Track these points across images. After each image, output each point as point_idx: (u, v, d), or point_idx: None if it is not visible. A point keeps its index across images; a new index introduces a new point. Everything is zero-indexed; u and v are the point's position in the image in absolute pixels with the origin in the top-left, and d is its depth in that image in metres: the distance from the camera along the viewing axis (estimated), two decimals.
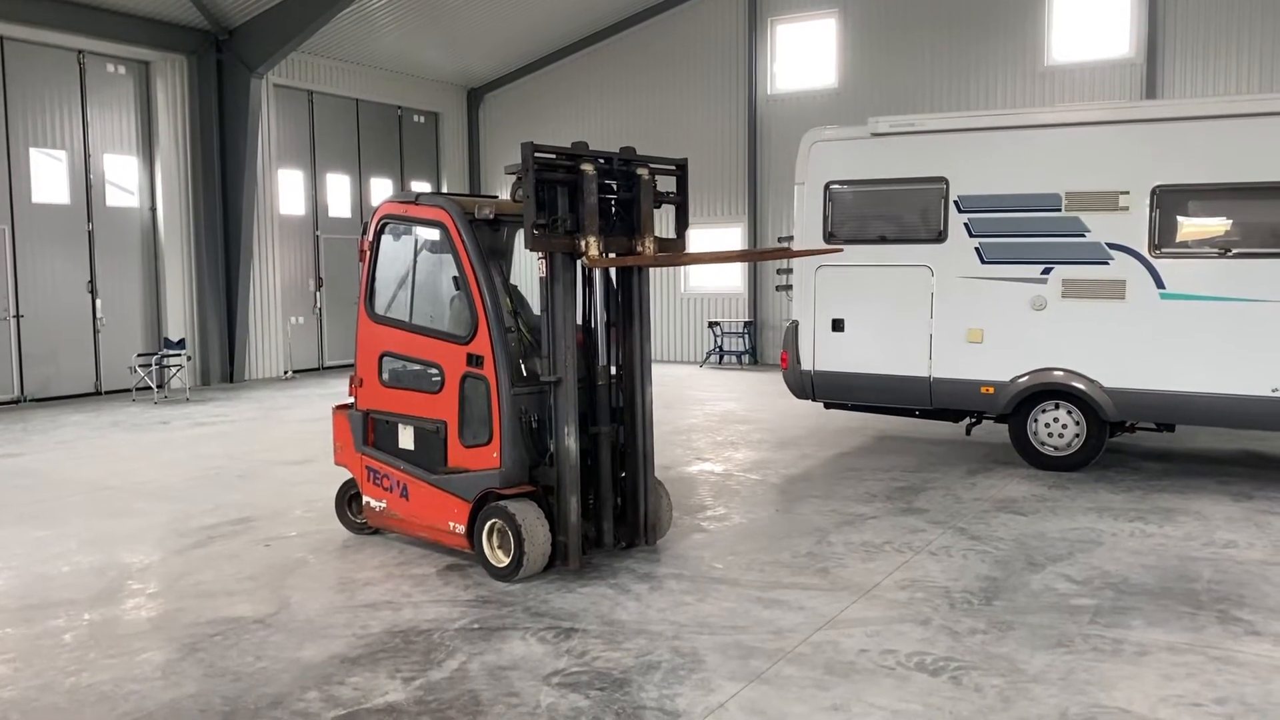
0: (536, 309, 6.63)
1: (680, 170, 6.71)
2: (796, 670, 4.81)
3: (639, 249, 6.38)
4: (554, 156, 6.02)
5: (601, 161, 6.21)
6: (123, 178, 16.61)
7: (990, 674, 4.75)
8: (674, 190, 6.72)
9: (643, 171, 6.38)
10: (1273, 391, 8.37)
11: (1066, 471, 9.29)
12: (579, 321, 6.40)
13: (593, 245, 6.04)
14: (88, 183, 16.00)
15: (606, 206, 6.32)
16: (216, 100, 17.02)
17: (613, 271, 6.58)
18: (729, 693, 4.56)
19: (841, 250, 8.05)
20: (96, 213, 16.14)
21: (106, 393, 16.13)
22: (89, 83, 15.97)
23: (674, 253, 6.72)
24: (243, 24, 16.62)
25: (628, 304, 6.57)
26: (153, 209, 16.96)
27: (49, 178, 15.53)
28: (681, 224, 6.79)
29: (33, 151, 15.26)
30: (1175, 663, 4.87)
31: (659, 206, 6.54)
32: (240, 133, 16.93)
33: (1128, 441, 10.65)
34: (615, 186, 6.39)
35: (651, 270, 6.59)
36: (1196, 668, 4.81)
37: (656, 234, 6.46)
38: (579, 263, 6.22)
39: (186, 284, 17.20)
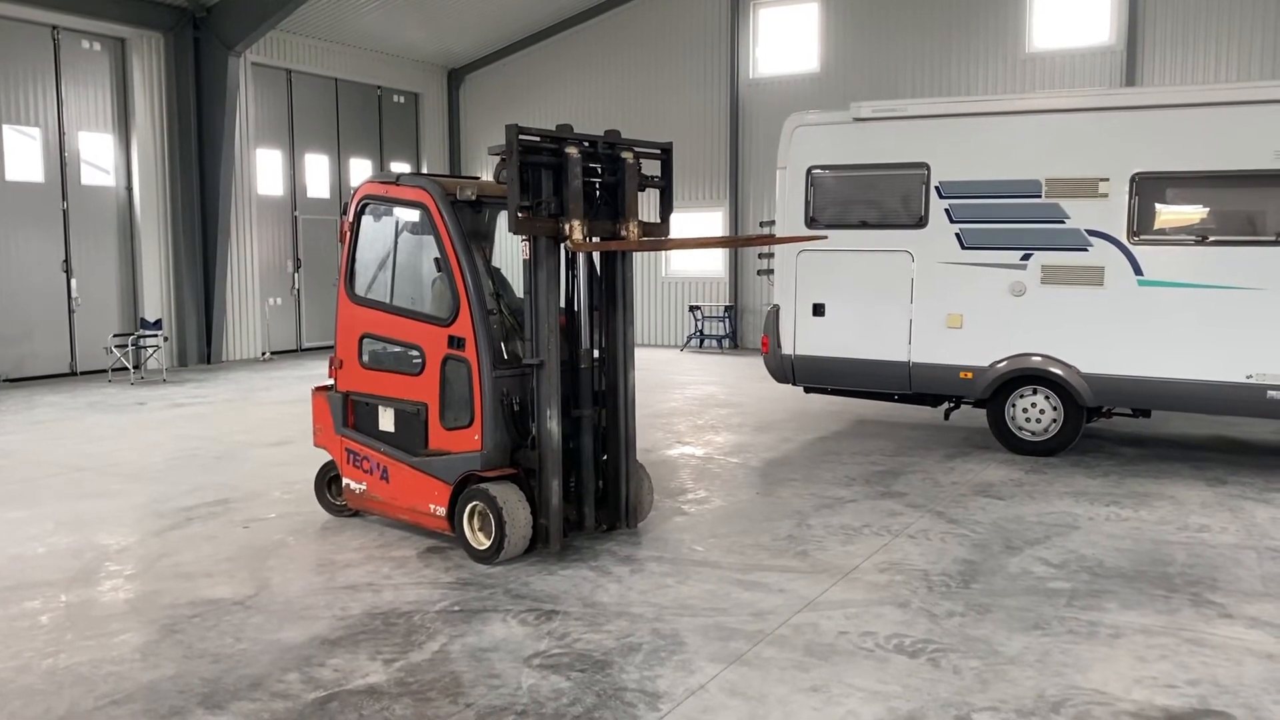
0: (519, 291, 6.62)
1: (665, 154, 6.68)
2: (777, 652, 4.84)
3: (623, 233, 6.36)
4: (538, 139, 5.97)
5: (586, 145, 6.17)
6: (98, 156, 16.40)
7: (968, 656, 4.80)
8: (658, 174, 6.69)
9: (627, 155, 6.35)
10: (1247, 378, 8.46)
11: (1044, 456, 9.37)
12: (562, 304, 6.39)
13: (577, 229, 6.01)
14: (62, 161, 15.79)
15: (591, 190, 6.29)
16: (194, 78, 16.82)
17: (596, 255, 6.56)
18: (710, 674, 4.59)
19: (826, 236, 8.01)
20: (71, 191, 15.94)
21: (82, 373, 15.97)
22: (63, 59, 15.74)
23: (658, 238, 6.70)
24: (220, 1, 16.41)
25: (611, 287, 6.56)
26: (129, 188, 16.76)
27: (22, 155, 15.30)
28: (666, 208, 6.76)
29: (5, 128, 15.02)
30: (1149, 645, 4.94)
31: (643, 190, 6.52)
32: (218, 112, 16.74)
33: (1104, 427, 10.75)
34: (600, 170, 6.35)
35: (634, 254, 6.58)
36: (1170, 650, 4.87)
37: (641, 218, 6.44)
38: (563, 246, 6.19)
39: (163, 264, 17.03)
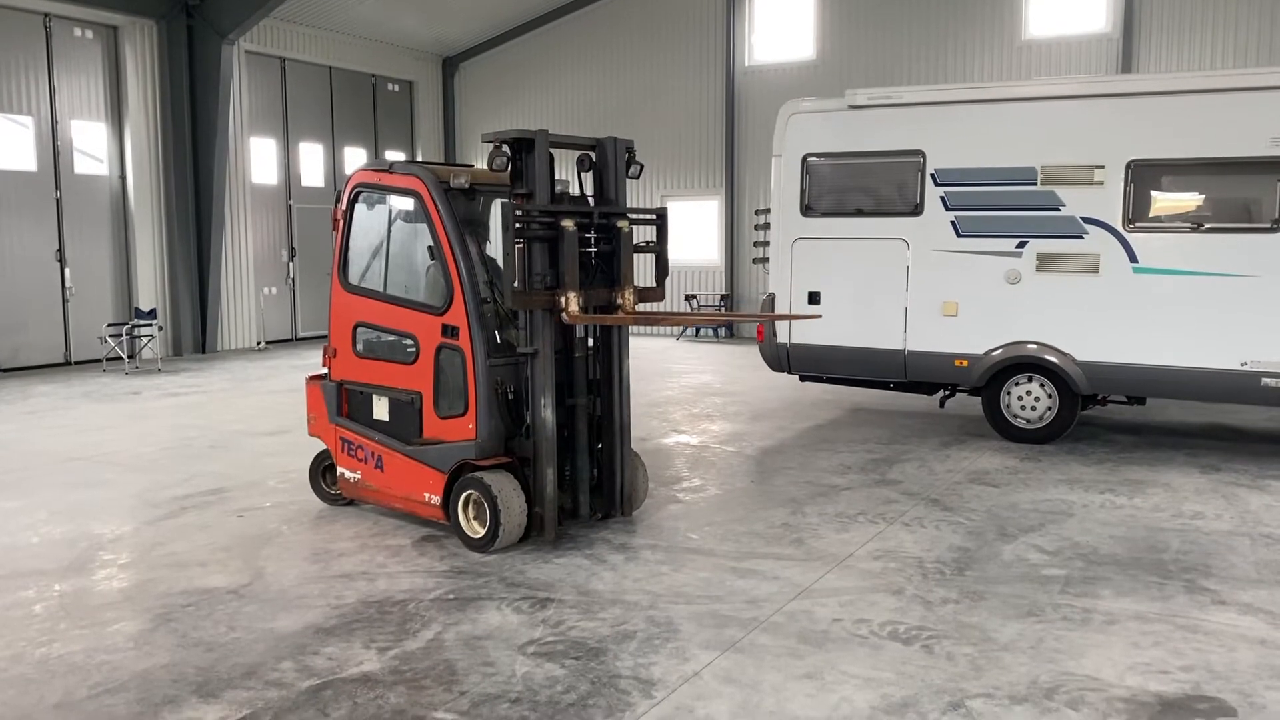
0: None
1: (660, 219, 6.74)
2: (771, 639, 4.85)
3: (619, 301, 6.43)
4: (535, 214, 5.99)
5: (582, 216, 6.23)
6: (91, 145, 16.32)
7: (962, 643, 4.80)
8: (653, 239, 6.76)
9: (623, 224, 6.41)
10: (1242, 365, 8.47)
11: (1038, 444, 9.38)
12: None
13: (573, 301, 6.06)
14: (55, 149, 15.72)
15: (586, 258, 6.33)
16: (187, 66, 16.74)
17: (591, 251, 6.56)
18: (704, 661, 4.59)
19: (819, 316, 7.76)
20: (64, 180, 15.87)
21: (77, 363, 15.95)
22: (55, 47, 15.66)
23: (654, 312, 6.67)
24: None
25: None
26: (122, 177, 16.70)
27: (15, 144, 15.23)
28: (661, 272, 6.80)
29: None
30: (1143, 631, 4.94)
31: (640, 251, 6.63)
32: (211, 100, 16.67)
33: (1099, 414, 10.76)
34: (595, 239, 6.40)
35: (630, 234, 6.56)
36: (1164, 636, 4.88)
37: (636, 283, 6.52)
38: (559, 317, 6.17)
39: (157, 253, 16.99)
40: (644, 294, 6.64)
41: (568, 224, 6.04)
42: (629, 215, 6.46)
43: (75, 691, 4.34)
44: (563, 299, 6.03)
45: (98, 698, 4.28)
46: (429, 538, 6.53)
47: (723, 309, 19.62)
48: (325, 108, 20.03)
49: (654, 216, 6.72)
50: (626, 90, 20.31)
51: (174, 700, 4.25)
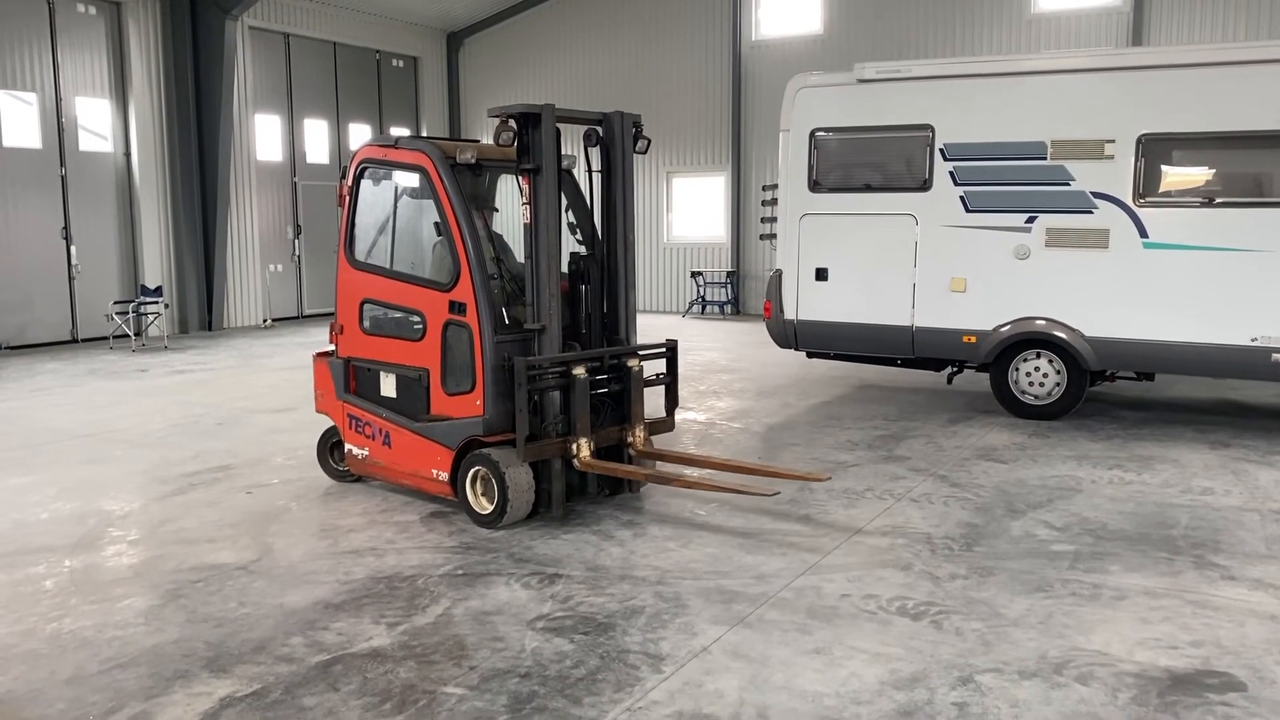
0: (519, 256, 6.59)
1: (670, 351, 6.78)
2: (779, 614, 4.85)
3: (630, 439, 6.50)
4: (547, 365, 6.05)
5: (593, 361, 6.30)
6: (95, 122, 16.26)
7: (971, 618, 4.80)
8: (663, 371, 6.81)
9: (633, 363, 6.46)
10: (1252, 340, 8.42)
11: (1047, 420, 9.36)
12: (564, 269, 6.36)
13: (584, 447, 6.13)
14: (59, 126, 15.66)
15: (597, 401, 6.38)
16: (191, 42, 16.67)
17: (596, 217, 6.52)
18: (712, 636, 4.60)
19: (827, 478, 7.33)
20: (69, 157, 15.83)
21: (83, 340, 15.96)
22: (59, 24, 15.57)
23: (667, 474, 6.54)
24: None
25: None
26: (127, 154, 16.65)
27: (19, 121, 15.18)
28: (671, 403, 6.87)
29: (2, 94, 14.90)
30: (1152, 607, 4.94)
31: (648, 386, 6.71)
32: (215, 76, 16.60)
33: (1107, 390, 10.73)
34: (606, 379, 6.45)
35: (634, 219, 6.57)
36: (1173, 611, 4.88)
37: (646, 418, 6.61)
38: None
39: (163, 231, 16.96)
40: (654, 427, 6.72)
41: (579, 371, 6.10)
42: (639, 353, 6.51)
43: (86, 666, 4.36)
44: (574, 445, 6.10)
45: (109, 672, 4.30)
46: (437, 514, 6.54)
47: (728, 286, 19.56)
48: (330, 84, 19.93)
49: (664, 348, 6.78)
50: (632, 65, 20.16)
51: (185, 675, 4.26)
